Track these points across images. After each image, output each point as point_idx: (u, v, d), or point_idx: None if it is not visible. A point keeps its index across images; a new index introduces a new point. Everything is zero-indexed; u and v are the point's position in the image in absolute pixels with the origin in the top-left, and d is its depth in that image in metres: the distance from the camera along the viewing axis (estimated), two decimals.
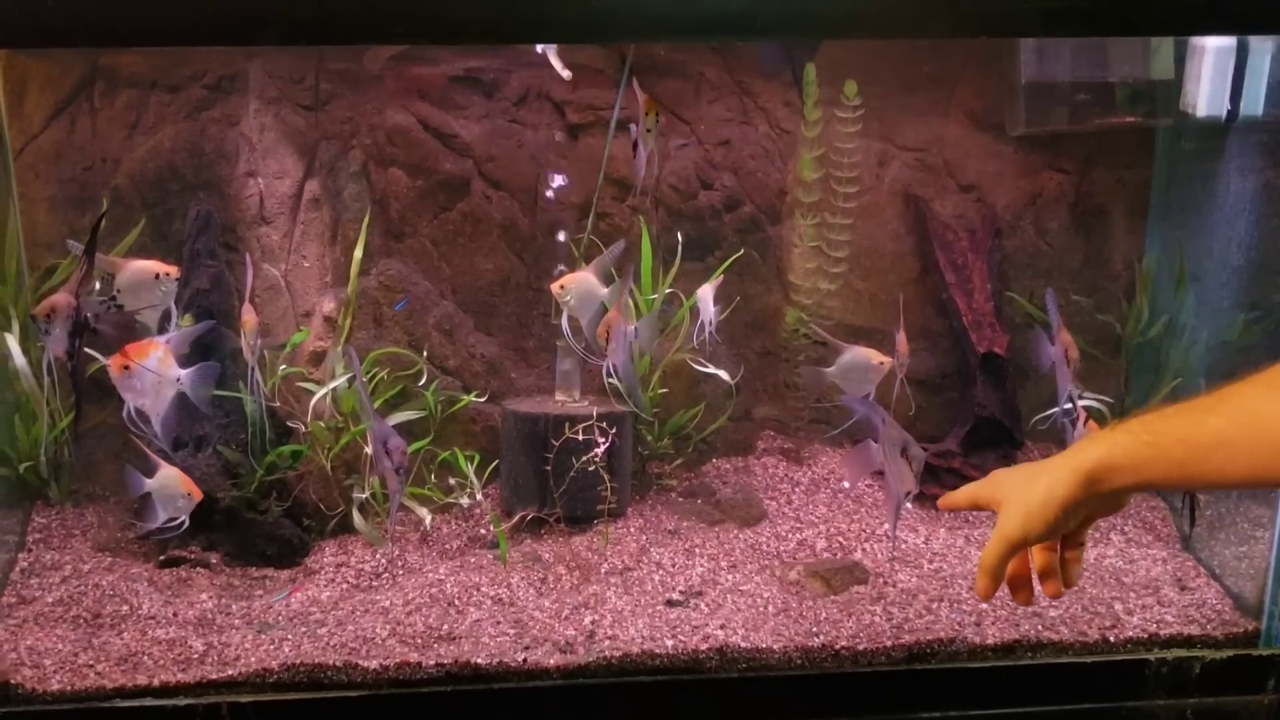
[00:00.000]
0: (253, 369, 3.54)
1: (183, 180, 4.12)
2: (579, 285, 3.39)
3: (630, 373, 3.64)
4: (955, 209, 4.16)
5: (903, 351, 3.53)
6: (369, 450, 3.75)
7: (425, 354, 3.95)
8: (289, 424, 3.89)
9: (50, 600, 3.41)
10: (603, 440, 3.57)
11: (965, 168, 4.40)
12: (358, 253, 3.94)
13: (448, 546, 3.82)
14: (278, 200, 4.18)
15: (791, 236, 4.35)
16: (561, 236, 4.08)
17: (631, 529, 3.91)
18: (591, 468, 3.61)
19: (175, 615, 3.43)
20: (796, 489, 4.19)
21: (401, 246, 4.11)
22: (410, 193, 4.23)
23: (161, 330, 3.14)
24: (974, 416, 4.03)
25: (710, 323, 3.75)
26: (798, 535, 3.90)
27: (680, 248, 4.06)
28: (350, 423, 3.87)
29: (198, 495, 3.17)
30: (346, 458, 3.88)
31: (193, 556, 3.65)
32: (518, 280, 4.19)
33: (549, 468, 3.69)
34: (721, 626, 3.26)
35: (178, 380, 3.02)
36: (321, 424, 3.82)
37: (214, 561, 3.66)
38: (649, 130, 3.36)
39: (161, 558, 3.64)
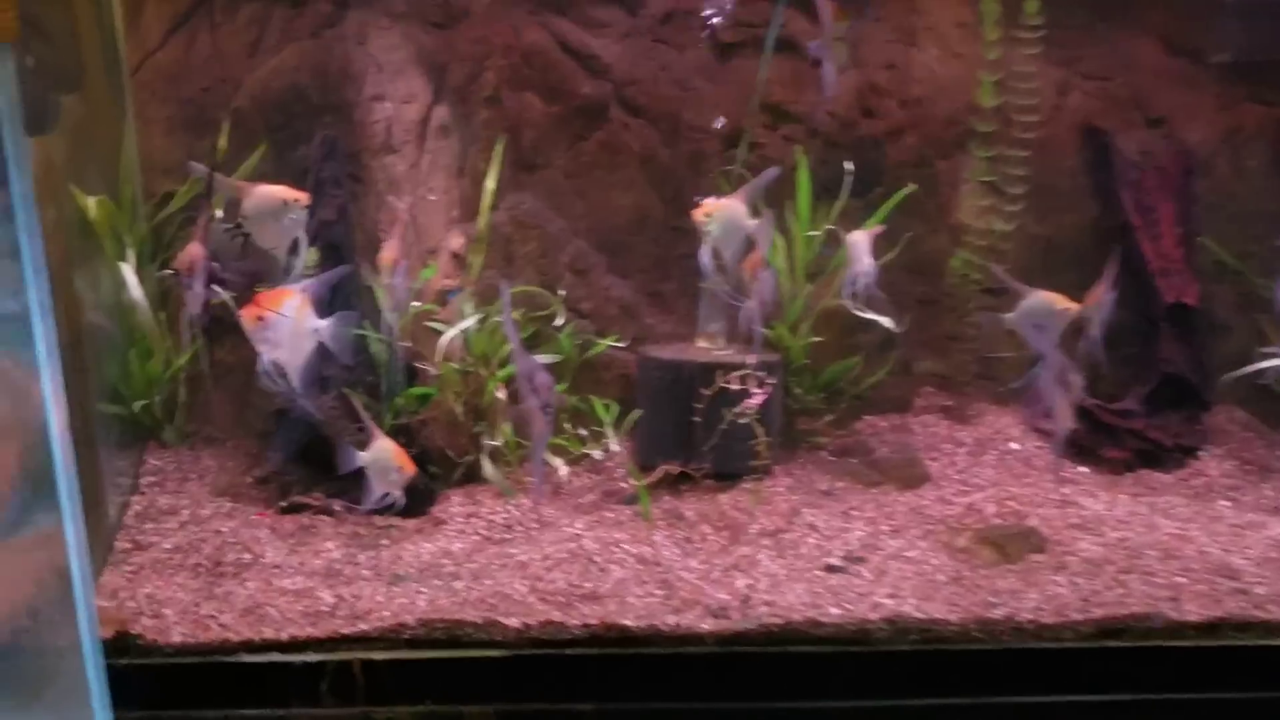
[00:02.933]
0: (389, 311, 3.41)
1: (307, 102, 4.00)
2: (724, 213, 3.20)
3: (761, 316, 3.42)
4: (1142, 145, 3.87)
5: (1100, 300, 3.29)
6: (500, 395, 3.65)
7: (562, 294, 3.80)
8: (416, 366, 3.78)
9: (168, 546, 3.40)
10: (758, 390, 3.37)
11: (1155, 98, 4.12)
12: (489, 183, 3.80)
13: (582, 501, 3.72)
14: (405, 127, 4.04)
15: (961, 172, 4.11)
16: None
17: (780, 488, 3.77)
18: (745, 419, 3.41)
19: (301, 565, 3.34)
20: (960, 450, 4.01)
21: (533, 179, 4.02)
22: (544, 120, 4.07)
23: (287, 268, 3.02)
24: (1159, 373, 3.83)
25: (865, 274, 3.54)
26: (964, 499, 3.73)
27: (847, 180, 3.83)
28: (482, 366, 3.74)
29: (410, 470, 3.08)
30: (475, 403, 3.78)
31: (316, 504, 3.59)
32: (656, 218, 4.07)
33: (696, 419, 3.53)
34: (890, 595, 3.13)
35: (315, 330, 2.89)
36: (454, 366, 3.69)
37: (338, 509, 3.57)
38: (838, 39, 3.15)
39: (283, 504, 3.59)
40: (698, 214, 3.19)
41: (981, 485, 3.82)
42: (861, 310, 3.70)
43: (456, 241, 3.90)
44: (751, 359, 3.49)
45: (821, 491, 3.76)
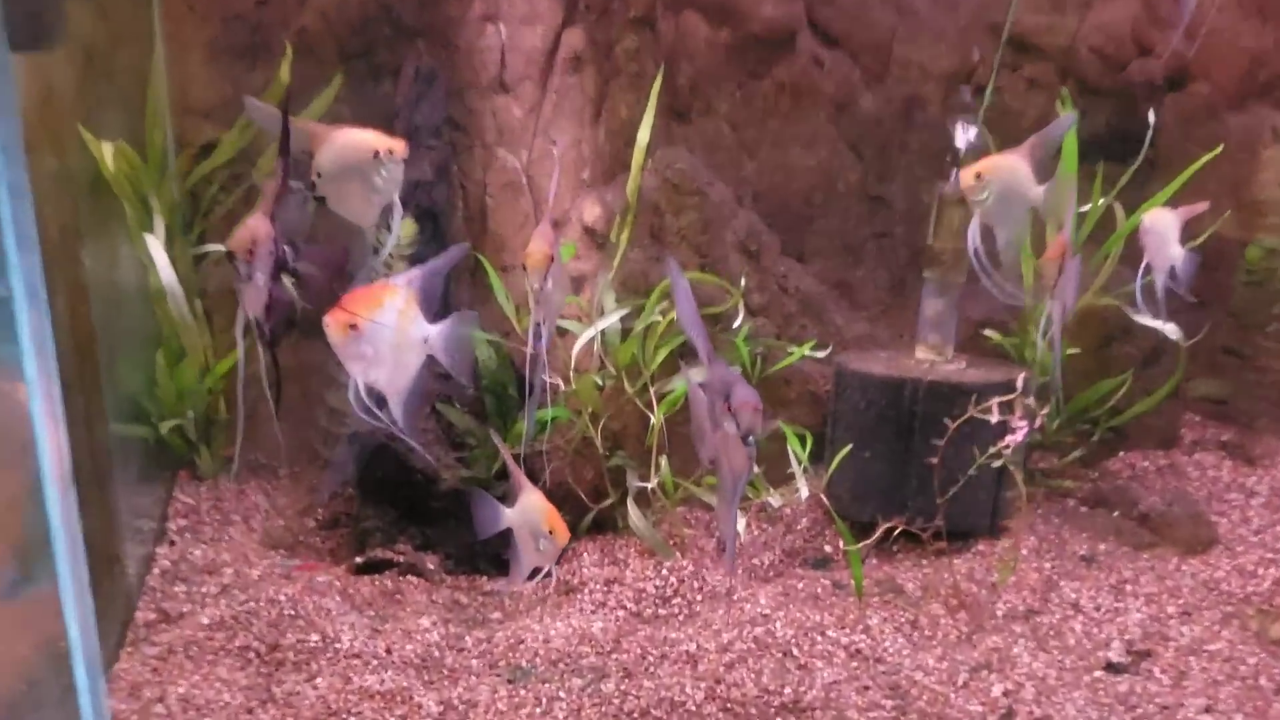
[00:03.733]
0: (538, 325, 2.50)
1: (395, 24, 3.16)
2: (1005, 175, 2.52)
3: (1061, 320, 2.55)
4: None
5: None
6: (657, 418, 2.76)
7: (742, 284, 2.91)
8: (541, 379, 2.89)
9: (205, 621, 2.67)
10: (1020, 422, 2.45)
11: None
12: (642, 134, 2.87)
13: (758, 562, 3.04)
14: (524, 57, 3.19)
15: (1262, 131, 3.15)
16: (965, 94, 2.94)
17: (1024, 550, 3.05)
18: (998, 463, 2.51)
19: (389, 652, 2.56)
20: (1253, 501, 3.41)
21: (688, 130, 3.31)
22: (709, 51, 3.22)
23: (376, 246, 2.40)
24: None
25: (1175, 264, 2.63)
26: (1270, 570, 2.99)
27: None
28: (627, 379, 2.83)
29: (563, 535, 2.42)
30: (615, 427, 3.01)
31: (401, 559, 2.95)
32: (849, 183, 3.39)
33: (929, 458, 2.76)
34: (1206, 709, 2.44)
35: (425, 340, 2.25)
36: (595, 379, 2.77)
37: (431, 567, 2.95)
38: None
39: (358, 560, 2.93)
40: (967, 176, 2.52)
41: None
42: (1143, 315, 2.75)
43: (591, 212, 3.13)
44: (1016, 376, 2.73)
45: (1080, 557, 3.07)
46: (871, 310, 3.35)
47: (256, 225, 2.25)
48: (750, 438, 2.15)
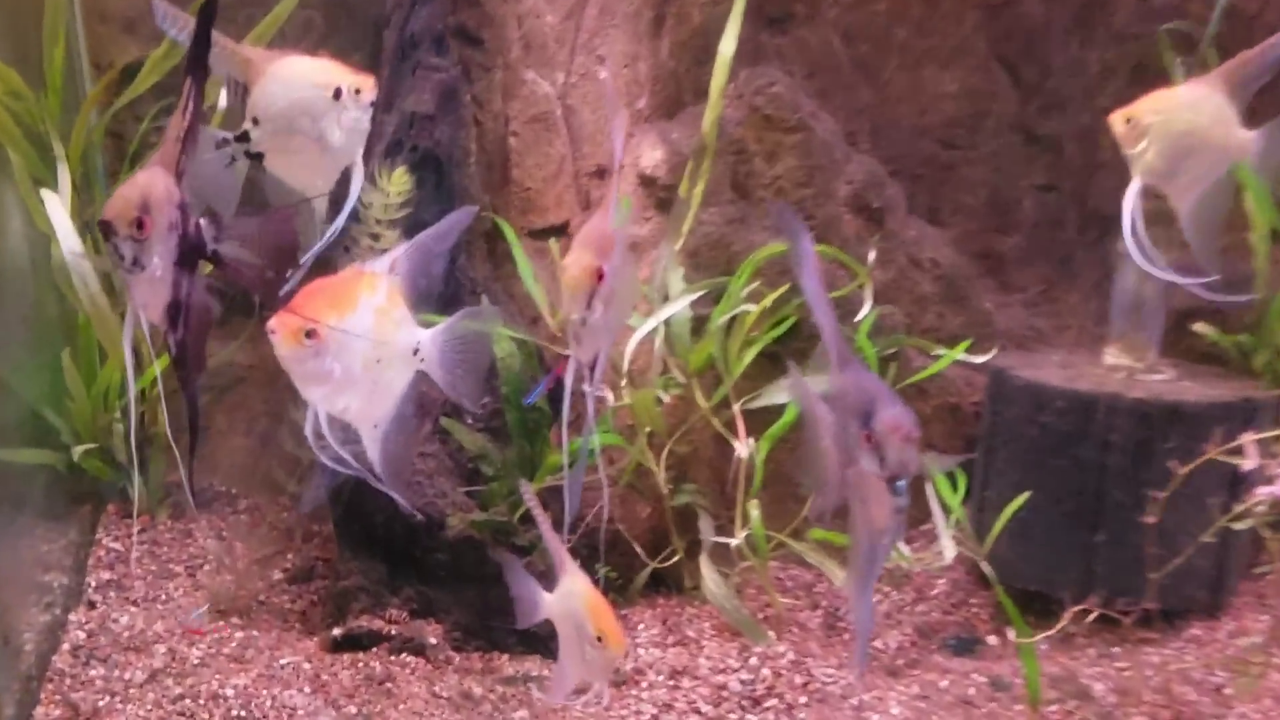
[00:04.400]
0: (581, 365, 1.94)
1: None
2: (1179, 118, 2.03)
3: None
4: None
5: None
6: (743, 447, 2.25)
7: (870, 260, 2.26)
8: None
9: None
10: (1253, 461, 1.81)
11: None
12: (725, 46, 2.38)
13: (880, 645, 2.40)
14: None
15: None
16: None
17: (1254, 632, 2.32)
18: (1245, 523, 1.86)
19: None
20: None
21: (785, 43, 2.68)
22: None
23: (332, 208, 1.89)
24: None
25: None
26: None
27: None
28: (698, 389, 2.31)
29: (618, 645, 1.87)
30: (682, 452, 2.44)
31: (394, 631, 2.41)
32: (1003, 116, 2.73)
33: (1140, 512, 2.09)
34: None
35: (416, 352, 1.79)
36: (658, 393, 2.30)
37: (433, 642, 2.39)
38: None
39: (336, 632, 2.39)
40: (1117, 120, 2.02)
41: None
42: None
43: (651, 156, 2.51)
44: (1254, 393, 2.21)
45: None
46: (1030, 292, 2.72)
47: (149, 184, 1.58)
48: (900, 481, 1.59)
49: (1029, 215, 2.81)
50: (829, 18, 2.71)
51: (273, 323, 1.76)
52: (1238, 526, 2.04)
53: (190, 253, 1.63)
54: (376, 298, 1.79)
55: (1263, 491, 2.00)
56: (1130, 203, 2.05)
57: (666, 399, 2.52)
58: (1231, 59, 2.06)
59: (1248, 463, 2.01)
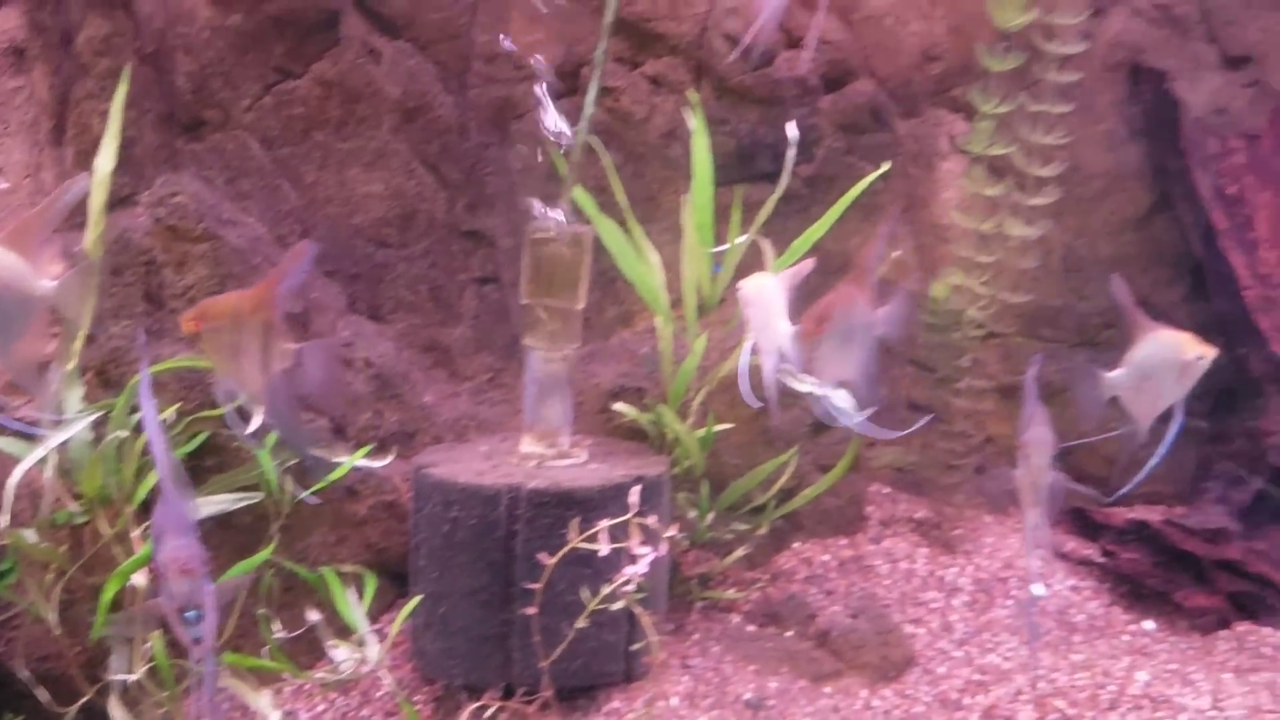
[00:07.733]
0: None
1: None
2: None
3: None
4: (1217, 96, 2.75)
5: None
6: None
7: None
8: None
9: None
10: (644, 546, 1.84)
11: (1239, 25, 2.77)
12: (103, 161, 2.13)
13: None
14: None
15: (938, 139, 2.60)
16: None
17: (672, 698, 2.36)
18: (617, 603, 1.87)
19: None
20: (955, 600, 2.74)
21: (201, 148, 2.57)
22: (217, 39, 2.49)
23: None
24: (1268, 466, 2.75)
25: (781, 365, 2.03)
26: (979, 697, 2.38)
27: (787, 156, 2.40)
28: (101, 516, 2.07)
29: None
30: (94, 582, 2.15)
31: None
32: (434, 214, 2.68)
33: (528, 605, 2.13)
34: None
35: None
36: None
37: None
38: None
39: None
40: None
41: (1002, 669, 2.47)
42: (798, 379, 2.14)
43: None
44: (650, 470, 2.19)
45: (745, 704, 2.30)
46: (478, 380, 2.66)
47: None
48: (191, 613, 1.63)
49: (471, 306, 2.74)
50: (244, 122, 2.56)
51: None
52: (614, 607, 2.19)
53: None
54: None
55: (628, 571, 2.04)
56: None
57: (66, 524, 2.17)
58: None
59: (603, 548, 2.14)
